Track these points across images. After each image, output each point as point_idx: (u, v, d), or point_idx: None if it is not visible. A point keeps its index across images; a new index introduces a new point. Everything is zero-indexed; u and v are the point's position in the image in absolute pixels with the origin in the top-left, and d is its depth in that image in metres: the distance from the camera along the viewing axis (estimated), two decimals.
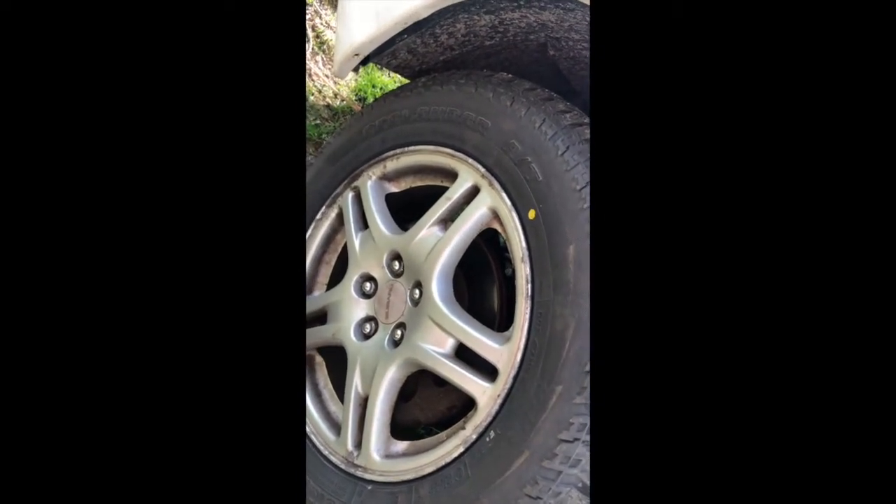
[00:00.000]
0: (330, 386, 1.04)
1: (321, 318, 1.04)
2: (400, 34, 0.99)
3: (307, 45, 1.73)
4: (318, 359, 1.05)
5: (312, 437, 0.96)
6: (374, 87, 1.80)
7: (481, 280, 1.05)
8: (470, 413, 0.81)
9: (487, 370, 0.81)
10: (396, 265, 0.96)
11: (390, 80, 1.85)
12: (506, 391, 0.76)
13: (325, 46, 1.77)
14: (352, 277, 1.00)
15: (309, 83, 1.68)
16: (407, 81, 1.12)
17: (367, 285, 1.00)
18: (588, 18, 0.90)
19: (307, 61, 1.71)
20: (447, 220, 0.91)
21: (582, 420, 0.69)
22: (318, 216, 1.08)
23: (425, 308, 0.88)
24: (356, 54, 1.05)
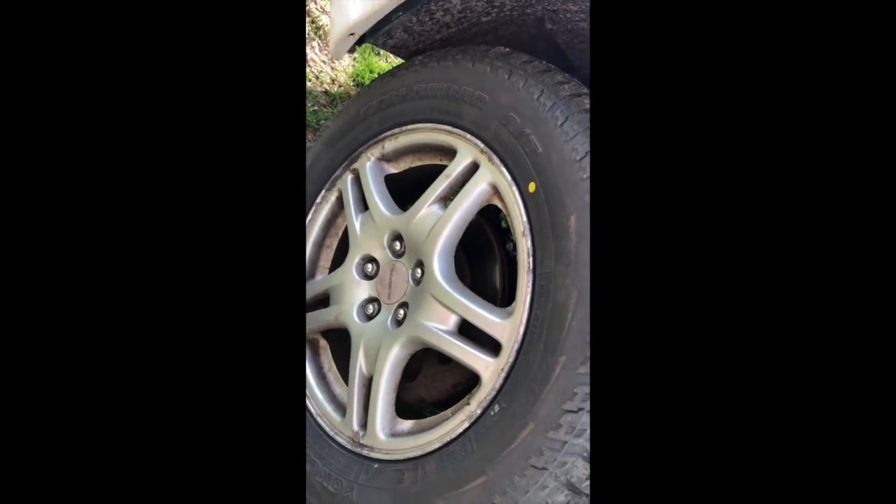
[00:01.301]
0: (334, 368, 1.05)
1: (324, 301, 1.04)
2: (395, 11, 0.98)
3: None
4: (322, 342, 1.05)
5: (318, 419, 0.96)
6: (371, 72, 1.79)
7: (482, 257, 1.05)
8: (474, 389, 0.81)
9: (491, 345, 0.81)
10: (397, 245, 0.96)
11: (388, 65, 1.83)
12: (509, 365, 0.76)
13: (321, 32, 1.76)
14: (353, 259, 1.00)
15: (306, 69, 1.67)
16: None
17: (369, 266, 0.99)
18: None
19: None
20: (447, 198, 0.91)
21: (586, 389, 0.68)
22: (318, 200, 1.08)
23: (427, 286, 0.87)
24: (351, 33, 1.04)
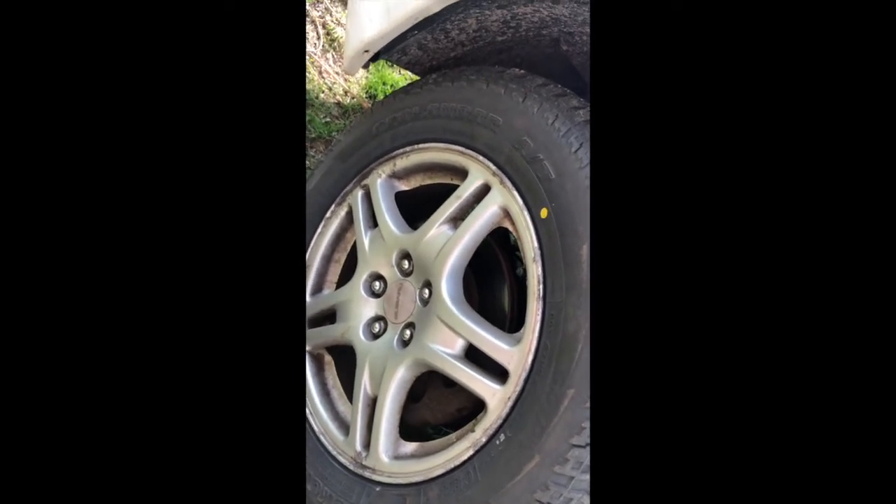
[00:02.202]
0: (339, 385, 1.04)
1: (330, 317, 1.03)
2: (410, 30, 0.98)
3: (317, 43, 1.72)
4: (327, 358, 1.05)
5: (321, 437, 0.95)
6: (384, 84, 1.79)
7: (492, 280, 1.04)
8: (480, 415, 0.80)
9: (498, 372, 0.80)
10: (406, 264, 0.95)
11: (401, 77, 1.84)
12: (516, 394, 0.74)
13: (335, 43, 1.76)
14: (361, 276, 0.99)
15: (319, 80, 1.67)
16: (417, 79, 1.11)
17: (377, 284, 0.99)
18: None
19: (317, 58, 1.70)
20: (457, 219, 0.90)
21: None
22: (328, 214, 1.08)
23: (435, 308, 0.86)
24: (366, 50, 1.03)
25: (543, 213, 0.78)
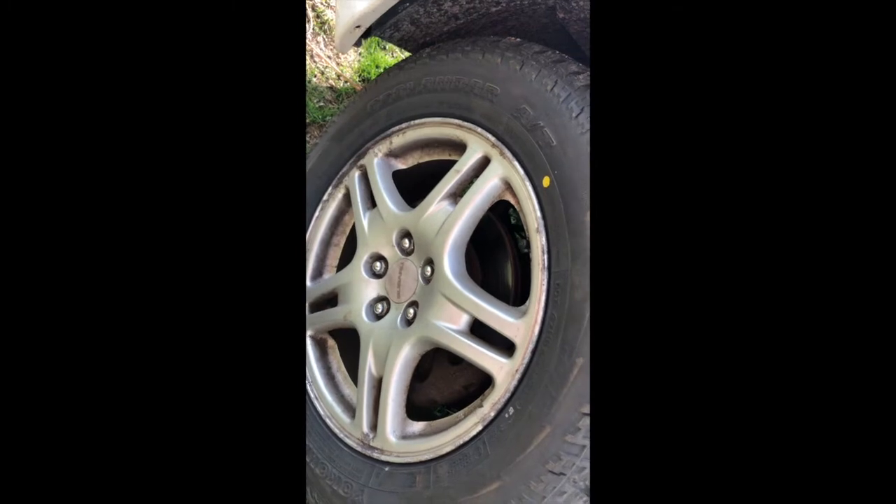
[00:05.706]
0: (343, 369, 1.03)
1: (332, 300, 1.02)
2: (402, 2, 0.95)
3: (308, 26, 1.69)
4: (331, 342, 1.04)
5: (327, 421, 0.95)
6: (377, 67, 1.77)
7: (493, 254, 1.02)
8: (487, 390, 0.78)
9: (504, 346, 0.78)
10: (406, 243, 0.94)
11: (394, 59, 1.81)
12: (524, 366, 0.73)
13: (326, 27, 1.73)
14: (361, 258, 0.97)
15: (311, 65, 1.64)
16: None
17: (378, 265, 0.97)
18: None
19: (308, 42, 1.67)
20: (457, 195, 0.88)
21: None
22: (325, 197, 1.06)
23: (438, 285, 0.85)
24: (357, 26, 1.01)
25: (546, 181, 0.76)
